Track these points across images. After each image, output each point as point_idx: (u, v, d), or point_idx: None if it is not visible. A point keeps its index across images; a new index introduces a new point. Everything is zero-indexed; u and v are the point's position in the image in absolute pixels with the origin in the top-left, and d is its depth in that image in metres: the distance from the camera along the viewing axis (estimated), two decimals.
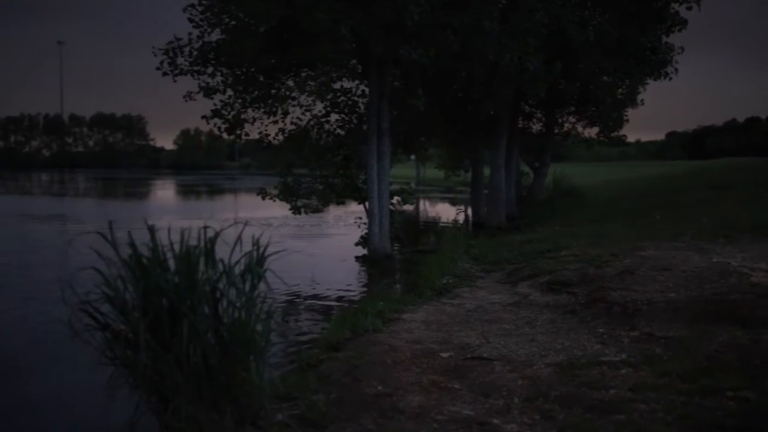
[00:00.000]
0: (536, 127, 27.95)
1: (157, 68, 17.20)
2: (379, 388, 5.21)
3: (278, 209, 22.09)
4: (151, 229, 4.28)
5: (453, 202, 37.21)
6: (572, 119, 27.19)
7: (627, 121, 25.64)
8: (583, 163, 51.68)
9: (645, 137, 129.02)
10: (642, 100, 25.37)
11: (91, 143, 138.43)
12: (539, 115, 27.36)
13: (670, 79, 22.48)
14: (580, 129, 27.75)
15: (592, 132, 27.36)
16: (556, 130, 27.28)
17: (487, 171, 23.87)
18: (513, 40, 16.17)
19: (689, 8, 21.42)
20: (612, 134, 26.29)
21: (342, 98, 18.61)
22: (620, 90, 24.15)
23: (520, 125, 26.19)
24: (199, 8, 16.61)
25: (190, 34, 17.02)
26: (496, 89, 19.58)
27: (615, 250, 10.79)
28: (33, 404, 6.65)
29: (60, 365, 7.38)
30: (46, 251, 17.76)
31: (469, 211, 26.94)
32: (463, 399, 4.95)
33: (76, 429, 5.87)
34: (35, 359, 8.17)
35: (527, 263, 11.31)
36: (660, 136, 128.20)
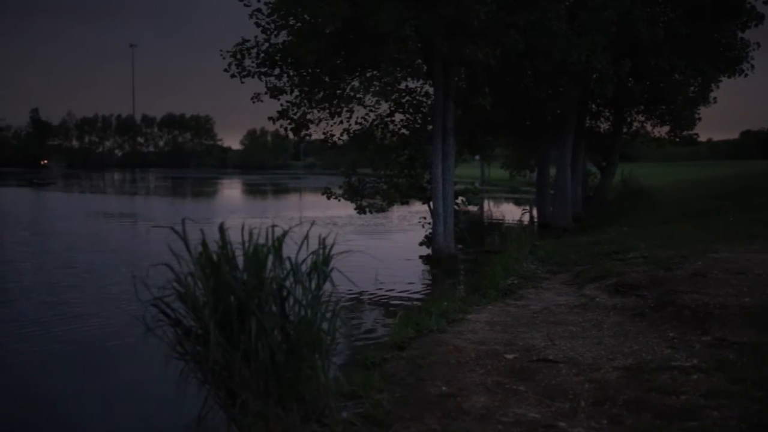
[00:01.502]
0: (604, 126, 27.39)
1: (225, 70, 17.59)
2: (444, 388, 5.20)
3: (343, 209, 22.26)
4: (221, 227, 4.36)
5: (518, 203, 36.82)
6: (641, 118, 26.53)
7: (699, 119, 24.95)
8: (652, 162, 50.45)
9: (717, 136, 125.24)
10: (715, 98, 24.61)
11: (161, 143, 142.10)
12: (607, 114, 26.80)
13: (746, 75, 21.77)
14: (649, 128, 27.09)
15: (661, 131, 26.69)
16: (625, 130, 26.66)
17: (553, 171, 23.53)
18: (580, 39, 15.89)
19: (766, 2, 20.68)
20: (683, 133, 25.58)
21: (407, 98, 18.64)
22: (692, 88, 23.46)
23: (587, 124, 25.71)
24: (265, 12, 16.92)
25: (256, 36, 17.37)
26: (562, 88, 19.28)
27: (685, 252, 10.50)
28: (110, 396, 6.88)
29: (135, 360, 7.61)
30: (119, 248, 18.31)
31: (535, 212, 26.63)
32: (529, 401, 4.89)
33: (149, 421, 6.04)
34: (113, 353, 8.44)
35: (594, 265, 11.10)
36: (734, 135, 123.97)
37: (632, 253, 11.46)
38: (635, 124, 27.00)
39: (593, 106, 25.68)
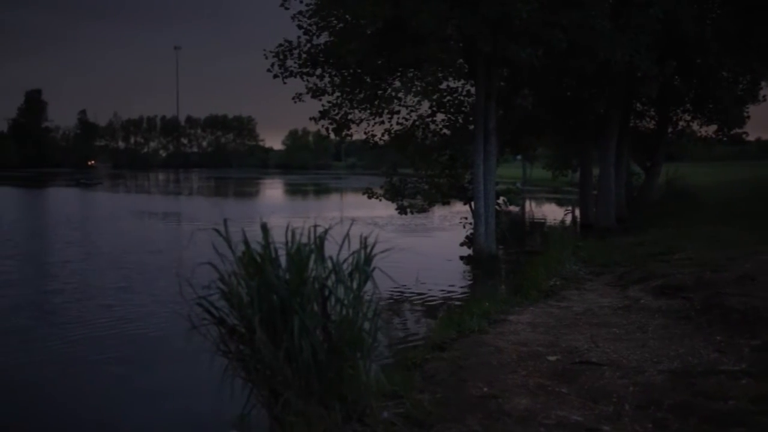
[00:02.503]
0: (649, 125, 26.92)
1: (268, 70, 17.78)
2: (485, 389, 5.17)
3: (384, 208, 22.30)
4: (264, 227, 4.40)
5: (560, 203, 36.44)
6: (687, 117, 25.99)
7: (748, 117, 24.34)
8: (698, 162, 49.41)
9: (767, 135, 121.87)
10: (764, 96, 23.99)
11: (204, 144, 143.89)
12: (652, 113, 26.33)
13: None
14: (695, 127, 26.53)
15: (708, 130, 26.12)
16: (670, 129, 26.15)
17: (596, 171, 23.23)
18: (625, 37, 15.64)
19: None
20: (731, 132, 25.00)
21: (448, 98, 18.58)
22: (740, 86, 22.92)
23: (631, 124, 25.30)
24: (307, 14, 17.06)
25: (299, 37, 17.51)
26: (606, 88, 19.02)
27: (733, 253, 10.28)
28: (157, 393, 7.01)
29: (181, 358, 7.73)
30: (168, 249, 18.60)
31: (577, 212, 26.33)
32: (571, 404, 4.85)
33: (193, 417, 6.13)
34: (159, 352, 8.60)
35: (638, 266, 10.94)
36: None
37: (677, 255, 11.27)
38: (681, 123, 26.47)
39: (638, 105, 25.25)
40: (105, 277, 13.76)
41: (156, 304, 10.78)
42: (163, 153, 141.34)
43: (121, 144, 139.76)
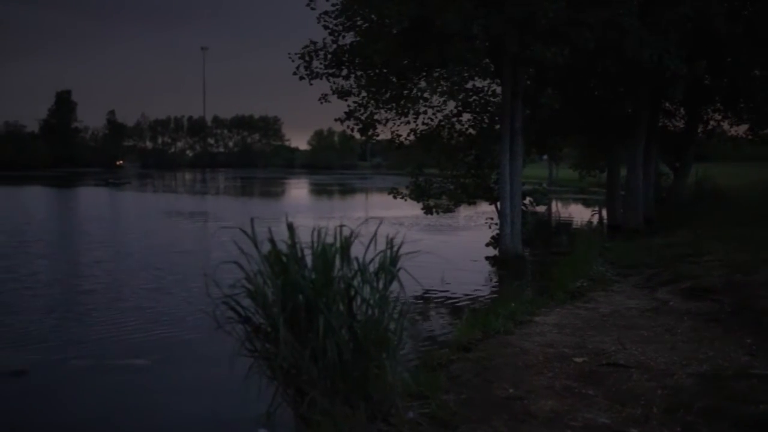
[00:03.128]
0: (678, 125, 26.57)
1: (294, 73, 17.82)
2: (511, 390, 5.15)
3: (409, 209, 22.28)
4: (290, 227, 4.42)
5: (587, 204, 36.16)
6: (717, 116, 25.61)
7: None
8: (728, 162, 48.71)
9: None
10: None
11: (230, 144, 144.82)
12: (681, 113, 25.98)
13: None
14: (725, 127, 26.14)
15: (739, 130, 25.72)
16: (700, 128, 25.79)
17: (623, 171, 23.01)
18: (653, 36, 15.46)
19: None
20: (762, 132, 24.59)
21: (474, 97, 18.51)
22: None
23: (660, 123, 25.00)
24: (333, 14, 17.08)
25: (324, 38, 17.54)
26: (633, 88, 18.81)
27: (764, 255, 10.12)
28: (183, 390, 7.07)
29: (206, 356, 7.79)
30: (197, 249, 18.73)
31: (604, 213, 26.09)
32: (599, 406, 4.80)
33: (220, 415, 6.17)
34: (185, 350, 8.67)
35: (667, 268, 10.83)
36: None
37: (707, 256, 11.13)
38: (711, 122, 26.09)
39: (667, 104, 24.94)
40: (137, 278, 13.84)
41: (188, 306, 10.81)
42: (189, 153, 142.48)
43: (149, 144, 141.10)
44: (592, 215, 27.96)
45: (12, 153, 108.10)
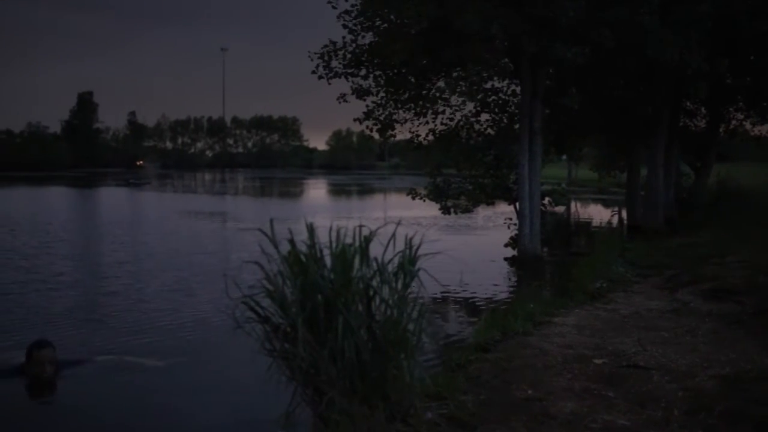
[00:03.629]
0: (699, 124, 26.30)
1: (313, 72, 17.88)
2: (530, 391, 5.13)
3: (427, 209, 22.27)
4: (310, 227, 4.43)
5: (606, 204, 35.94)
6: (740, 116, 25.33)
7: None
8: (752, 162, 48.18)
9: None
10: None
11: (249, 144, 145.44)
12: (703, 112, 25.71)
13: None
14: (748, 126, 25.83)
15: (762, 129, 25.42)
16: (722, 128, 25.51)
17: (644, 171, 22.84)
18: (674, 35, 15.32)
19: None
20: None
21: (493, 97, 18.47)
22: None
23: (681, 123, 24.76)
24: (352, 14, 17.12)
25: (344, 38, 17.57)
26: (654, 87, 18.66)
27: None
28: (200, 390, 7.11)
29: (226, 355, 7.83)
30: (219, 250, 18.81)
31: (624, 213, 25.93)
32: (618, 408, 4.77)
33: (238, 415, 6.20)
34: (205, 350, 8.71)
35: (687, 269, 10.73)
36: None
37: (729, 257, 11.02)
38: (733, 121, 25.81)
39: (688, 103, 24.71)
40: (160, 279, 13.85)
41: (210, 306, 10.79)
42: (209, 153, 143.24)
43: (169, 144, 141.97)
44: (612, 215, 27.80)
45: (35, 154, 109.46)
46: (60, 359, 7.42)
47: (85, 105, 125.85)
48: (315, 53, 17.92)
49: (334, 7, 17.42)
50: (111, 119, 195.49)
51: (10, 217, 27.63)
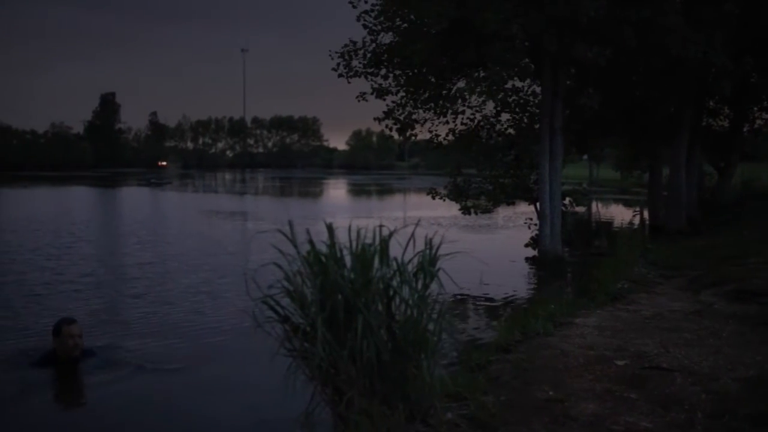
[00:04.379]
0: (723, 124, 25.99)
1: (333, 69, 17.96)
2: (551, 393, 5.10)
3: (447, 209, 22.21)
4: (330, 227, 4.43)
5: (628, 204, 35.65)
6: (765, 115, 24.99)
7: None
8: None
9: None
10: None
11: (269, 144, 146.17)
12: (726, 112, 25.41)
13: None
14: None
15: None
16: (746, 127, 25.19)
17: (666, 171, 22.63)
18: (698, 33, 15.14)
19: None
20: None
21: (513, 97, 18.39)
22: None
23: (704, 123, 24.49)
24: (372, 14, 17.14)
25: (364, 37, 17.62)
26: (676, 86, 18.47)
27: None
28: (221, 389, 7.14)
29: (246, 356, 7.84)
30: (240, 251, 18.85)
31: (646, 214, 25.70)
32: (641, 410, 4.73)
33: (258, 415, 6.22)
34: (226, 350, 8.73)
35: (711, 270, 10.63)
36: None
37: (753, 258, 10.90)
38: (758, 121, 25.46)
39: (711, 103, 24.43)
40: (185, 280, 13.84)
41: (234, 307, 10.76)
42: (230, 153, 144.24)
43: (190, 144, 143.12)
44: (634, 216, 27.57)
45: (58, 154, 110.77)
46: (85, 355, 7.51)
47: (108, 105, 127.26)
48: (336, 52, 18.01)
49: (354, 7, 17.47)
50: (132, 119, 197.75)
51: (34, 217, 27.91)
